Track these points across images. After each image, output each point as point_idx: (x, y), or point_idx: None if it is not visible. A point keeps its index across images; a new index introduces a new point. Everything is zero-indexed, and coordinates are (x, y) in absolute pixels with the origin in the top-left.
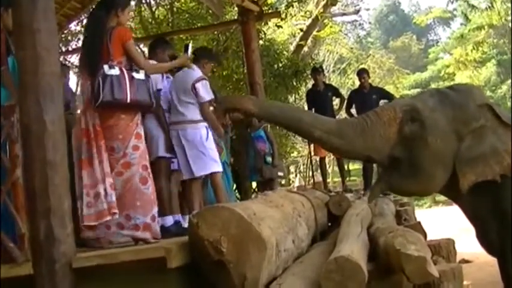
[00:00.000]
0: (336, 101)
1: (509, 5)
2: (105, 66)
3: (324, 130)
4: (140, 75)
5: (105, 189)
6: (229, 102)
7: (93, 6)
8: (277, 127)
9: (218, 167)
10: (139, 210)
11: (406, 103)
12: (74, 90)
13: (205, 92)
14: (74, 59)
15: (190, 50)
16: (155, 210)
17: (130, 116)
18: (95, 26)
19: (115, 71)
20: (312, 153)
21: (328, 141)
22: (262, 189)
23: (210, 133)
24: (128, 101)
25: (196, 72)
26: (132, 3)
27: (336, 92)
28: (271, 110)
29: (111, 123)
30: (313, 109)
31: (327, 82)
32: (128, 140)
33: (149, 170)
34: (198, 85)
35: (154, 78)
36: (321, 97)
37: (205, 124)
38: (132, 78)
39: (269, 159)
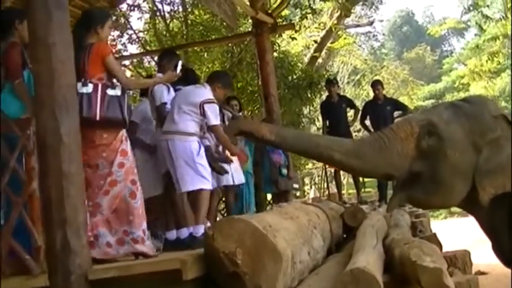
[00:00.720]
0: (350, 113)
1: None
2: (78, 84)
3: (342, 152)
4: (115, 91)
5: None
6: (244, 126)
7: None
8: None
9: (206, 184)
10: (133, 224)
11: (422, 118)
12: None
13: (214, 116)
14: None
15: (179, 68)
16: (144, 224)
17: (113, 133)
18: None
19: (87, 89)
20: (327, 165)
21: (347, 163)
22: (277, 201)
23: (202, 148)
24: (97, 118)
25: (208, 91)
26: (114, 16)
27: (350, 104)
28: (287, 137)
29: (95, 143)
30: (328, 121)
31: (341, 93)
32: (113, 157)
33: (138, 184)
34: (207, 106)
35: (159, 91)
36: (335, 109)
37: (198, 138)
38: (104, 95)
39: (284, 171)
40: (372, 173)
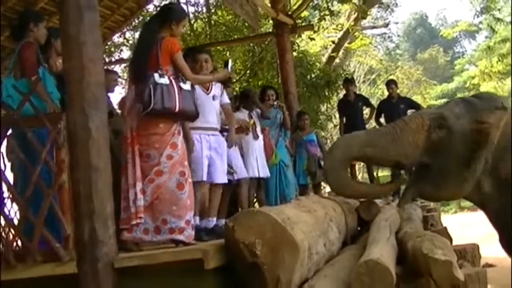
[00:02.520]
0: (366, 110)
1: None
2: (156, 75)
3: (358, 143)
4: (187, 86)
5: (135, 194)
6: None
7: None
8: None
9: (225, 179)
10: (175, 214)
11: (433, 111)
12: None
13: (226, 95)
14: (117, 69)
15: (230, 66)
16: (190, 215)
17: (167, 126)
18: (145, 34)
19: (165, 80)
20: None
21: (362, 152)
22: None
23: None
24: (177, 110)
25: None
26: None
27: (366, 102)
28: None
29: (149, 132)
30: (345, 118)
31: (358, 92)
32: (163, 149)
33: (187, 175)
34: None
35: None
36: (352, 107)
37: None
38: (180, 88)
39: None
40: (383, 160)
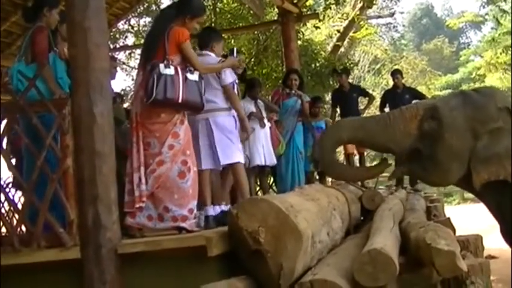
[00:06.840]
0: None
1: None
2: (161, 65)
3: (349, 127)
4: (194, 76)
5: (139, 178)
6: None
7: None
8: None
9: (242, 157)
10: (176, 202)
11: (429, 103)
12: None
13: (229, 74)
14: (121, 56)
15: (235, 53)
16: (193, 203)
17: (169, 115)
18: (158, 22)
19: (170, 71)
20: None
21: (354, 135)
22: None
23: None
24: (180, 101)
25: (213, 57)
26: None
27: (363, 92)
28: None
29: (151, 120)
30: (339, 108)
31: (357, 83)
32: (164, 139)
33: (189, 164)
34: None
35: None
36: (346, 97)
37: (234, 113)
38: (185, 78)
39: None
40: (374, 145)
